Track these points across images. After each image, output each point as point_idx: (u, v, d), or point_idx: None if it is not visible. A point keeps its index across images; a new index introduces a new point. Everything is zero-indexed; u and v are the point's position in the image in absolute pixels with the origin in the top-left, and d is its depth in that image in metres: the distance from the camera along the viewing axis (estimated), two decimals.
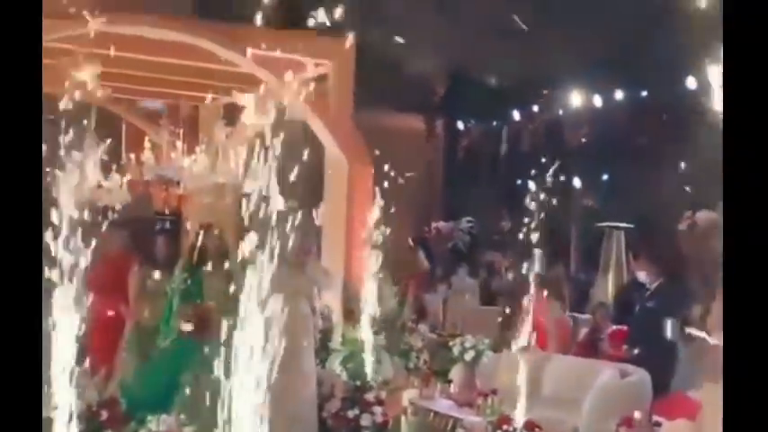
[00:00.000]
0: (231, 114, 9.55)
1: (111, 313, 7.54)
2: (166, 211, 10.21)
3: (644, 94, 13.88)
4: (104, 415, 5.87)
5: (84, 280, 4.96)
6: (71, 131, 6.74)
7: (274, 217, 3.94)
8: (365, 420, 6.56)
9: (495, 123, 16.77)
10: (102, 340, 7.41)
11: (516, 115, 15.93)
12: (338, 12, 5.27)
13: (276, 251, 3.97)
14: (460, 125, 17.37)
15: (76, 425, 5.67)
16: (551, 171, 7.25)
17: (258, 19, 4.92)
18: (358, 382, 6.86)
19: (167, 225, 10.69)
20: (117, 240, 7.85)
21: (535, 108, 15.59)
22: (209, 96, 9.55)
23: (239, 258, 4.01)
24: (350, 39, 7.26)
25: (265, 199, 3.97)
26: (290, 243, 4.12)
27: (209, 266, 6.53)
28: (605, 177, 14.70)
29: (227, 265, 6.45)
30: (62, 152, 5.96)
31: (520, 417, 5.92)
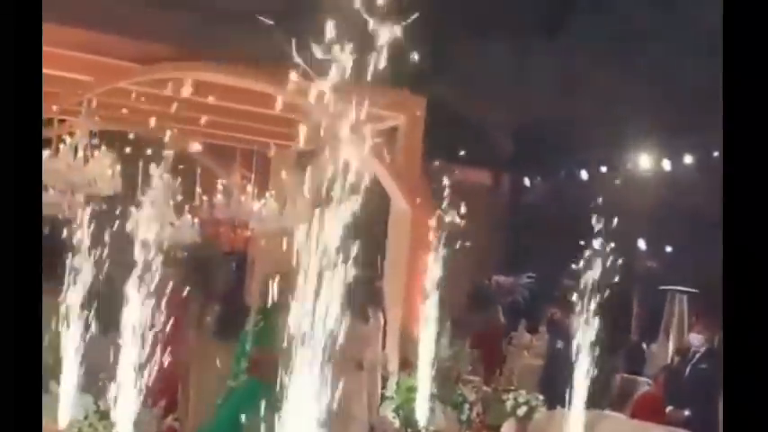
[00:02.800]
0: (303, 161, 9.81)
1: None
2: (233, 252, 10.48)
3: (715, 154, 13.78)
4: None
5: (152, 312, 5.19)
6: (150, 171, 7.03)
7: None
8: None
9: (561, 181, 16.83)
10: (165, 373, 7.66)
11: (584, 174, 16.00)
12: (413, 64, 5.43)
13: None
14: (527, 181, 17.47)
15: None
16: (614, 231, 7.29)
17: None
18: (410, 431, 6.96)
19: (233, 265, 10.96)
20: (186, 278, 8.10)
21: (603, 168, 15.63)
22: (273, 143, 9.78)
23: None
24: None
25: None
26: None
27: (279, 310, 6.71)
28: (670, 241, 14.63)
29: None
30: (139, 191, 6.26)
31: None
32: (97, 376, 6.59)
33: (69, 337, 6.40)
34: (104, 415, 5.24)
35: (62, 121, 9.16)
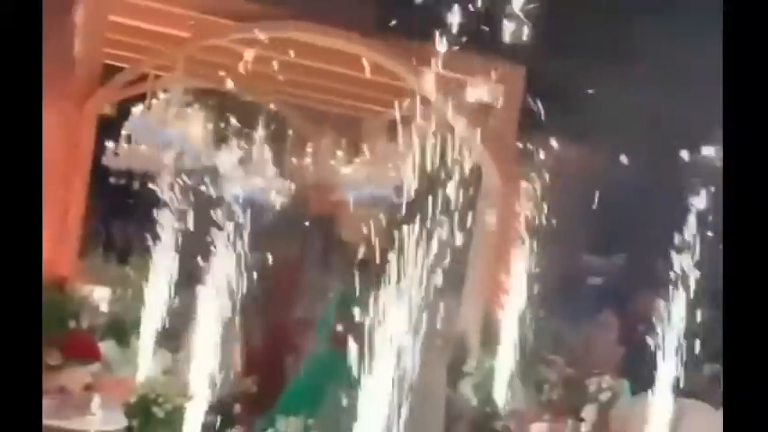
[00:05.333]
0: (395, 128, 9.64)
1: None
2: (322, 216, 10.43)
3: None
4: (237, 408, 6.08)
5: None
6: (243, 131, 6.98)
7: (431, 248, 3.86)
8: None
9: (660, 160, 16.30)
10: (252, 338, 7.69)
11: (685, 155, 15.46)
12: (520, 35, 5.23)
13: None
14: (624, 159, 16.96)
15: (210, 416, 5.91)
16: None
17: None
18: (488, 409, 6.81)
19: (320, 230, 10.91)
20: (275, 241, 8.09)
21: (705, 151, 15.08)
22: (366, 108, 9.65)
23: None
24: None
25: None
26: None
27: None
28: None
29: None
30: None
31: None
32: (177, 333, 6.64)
33: (152, 293, 6.45)
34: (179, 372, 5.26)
35: (157, 76, 9.18)
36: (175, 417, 4.64)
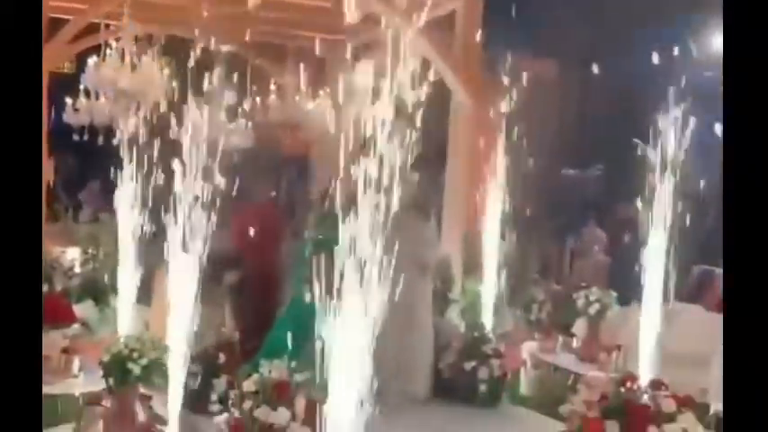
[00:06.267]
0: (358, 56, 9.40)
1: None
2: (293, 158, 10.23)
3: None
4: (222, 358, 5.95)
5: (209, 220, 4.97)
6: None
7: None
8: (482, 373, 6.42)
9: (632, 66, 16.09)
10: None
11: (655, 58, 15.24)
12: None
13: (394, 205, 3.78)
14: (596, 69, 16.74)
15: (194, 367, 5.78)
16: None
17: None
18: (476, 334, 6.70)
19: (293, 170, 10.71)
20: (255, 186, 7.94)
21: (675, 50, 14.87)
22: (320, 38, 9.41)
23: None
24: None
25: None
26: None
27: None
28: None
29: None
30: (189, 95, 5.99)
31: (645, 374, 5.65)
32: (152, 288, 6.47)
33: (124, 249, 6.26)
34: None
35: (107, 26, 8.88)
36: (152, 371, 4.50)
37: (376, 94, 4.05)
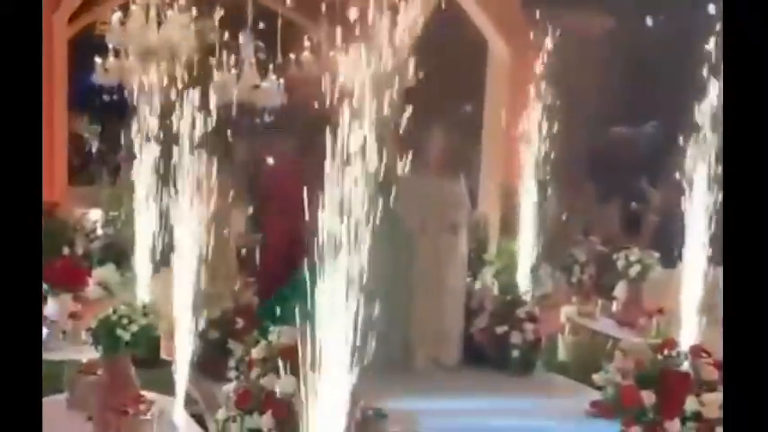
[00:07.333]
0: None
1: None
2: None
3: None
4: (240, 323, 5.71)
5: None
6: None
7: None
8: (515, 338, 6.06)
9: (687, 21, 15.45)
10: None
11: (711, 9, 14.61)
12: None
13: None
14: (649, 21, 16.10)
15: (212, 332, 5.57)
16: None
17: None
18: (509, 297, 6.34)
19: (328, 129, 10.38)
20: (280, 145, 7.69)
21: None
22: None
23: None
24: None
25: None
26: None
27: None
28: None
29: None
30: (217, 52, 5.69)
31: (686, 341, 5.29)
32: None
33: (141, 207, 6.05)
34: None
35: None
36: (141, 338, 4.26)
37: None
